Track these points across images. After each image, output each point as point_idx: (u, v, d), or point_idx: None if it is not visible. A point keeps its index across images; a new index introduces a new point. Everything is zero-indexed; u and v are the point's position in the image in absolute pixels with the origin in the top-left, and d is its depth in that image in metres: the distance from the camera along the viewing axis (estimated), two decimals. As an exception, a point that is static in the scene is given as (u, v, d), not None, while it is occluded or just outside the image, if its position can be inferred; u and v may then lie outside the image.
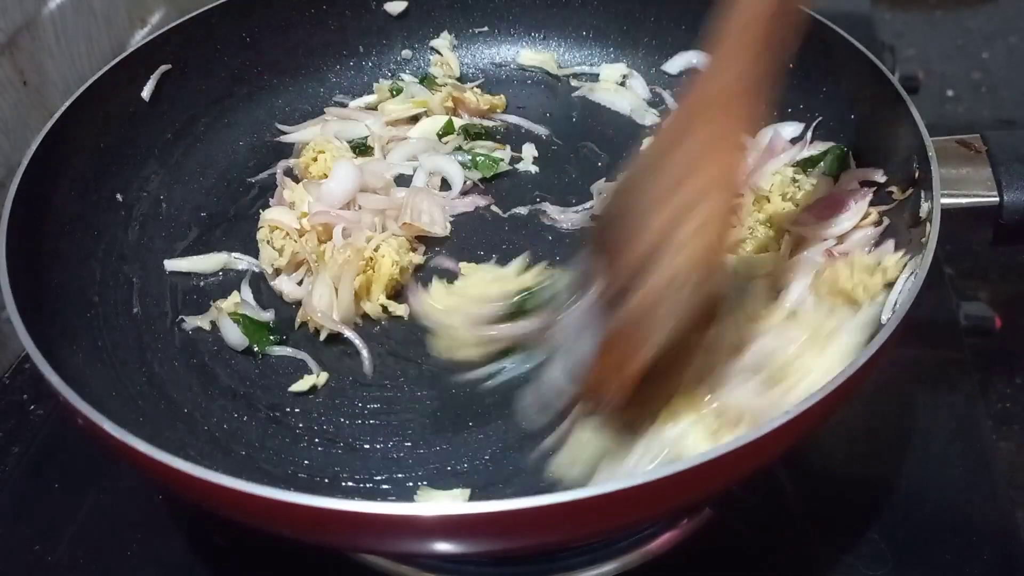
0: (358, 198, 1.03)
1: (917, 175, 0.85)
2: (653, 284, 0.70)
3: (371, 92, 1.22)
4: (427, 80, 1.21)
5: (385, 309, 0.96)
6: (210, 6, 1.13)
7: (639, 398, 0.76)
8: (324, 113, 1.19)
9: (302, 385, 0.90)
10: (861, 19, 1.52)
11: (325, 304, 0.93)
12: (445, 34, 1.25)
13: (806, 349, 0.79)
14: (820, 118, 1.05)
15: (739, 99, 0.72)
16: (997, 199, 0.85)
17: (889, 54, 1.49)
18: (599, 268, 0.76)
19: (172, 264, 1.02)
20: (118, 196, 1.04)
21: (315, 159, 1.10)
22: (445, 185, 1.10)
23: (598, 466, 0.77)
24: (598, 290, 0.76)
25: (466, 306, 0.91)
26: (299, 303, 0.96)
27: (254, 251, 1.03)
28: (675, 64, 1.21)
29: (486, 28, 1.26)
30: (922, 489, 0.91)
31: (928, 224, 0.79)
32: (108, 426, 0.67)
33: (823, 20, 1.03)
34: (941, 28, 1.88)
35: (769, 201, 0.95)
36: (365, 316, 0.96)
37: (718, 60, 0.73)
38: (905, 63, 1.62)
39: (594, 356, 0.76)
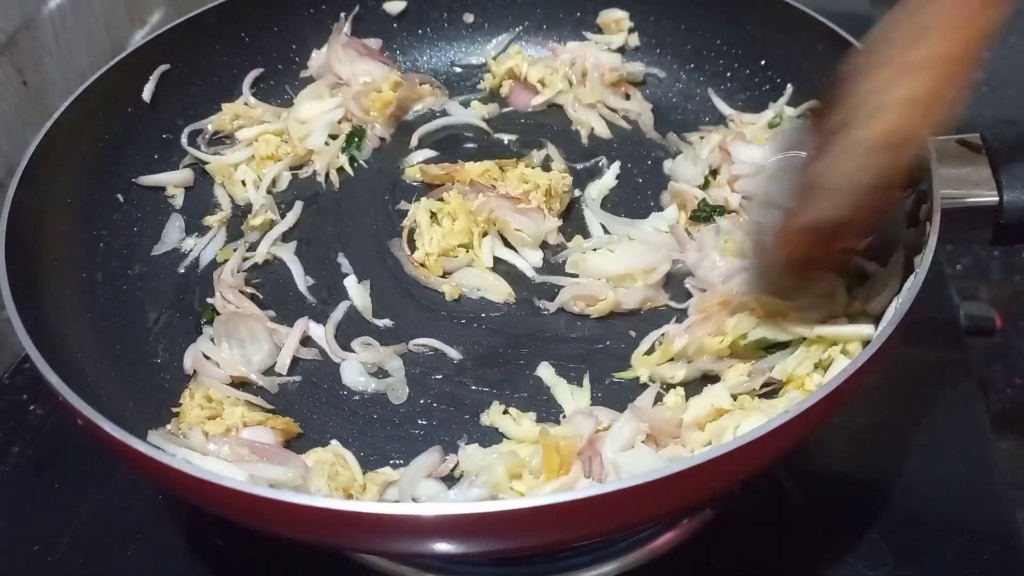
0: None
1: (916, 174, 0.85)
2: (849, 141, 0.67)
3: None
4: None
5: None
6: (209, 6, 1.13)
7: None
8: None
9: None
10: (861, 19, 1.52)
11: None
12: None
13: None
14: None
15: None
16: (997, 198, 0.84)
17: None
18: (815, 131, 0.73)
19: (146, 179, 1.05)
20: (118, 196, 1.04)
21: (232, 122, 1.13)
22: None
23: None
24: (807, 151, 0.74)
25: None
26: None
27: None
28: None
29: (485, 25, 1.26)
30: (922, 489, 0.91)
31: (928, 224, 0.79)
32: (108, 426, 0.67)
33: (823, 20, 1.03)
34: (942, 28, 1.88)
35: None
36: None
37: None
38: (905, 63, 1.62)
39: (782, 213, 0.75)
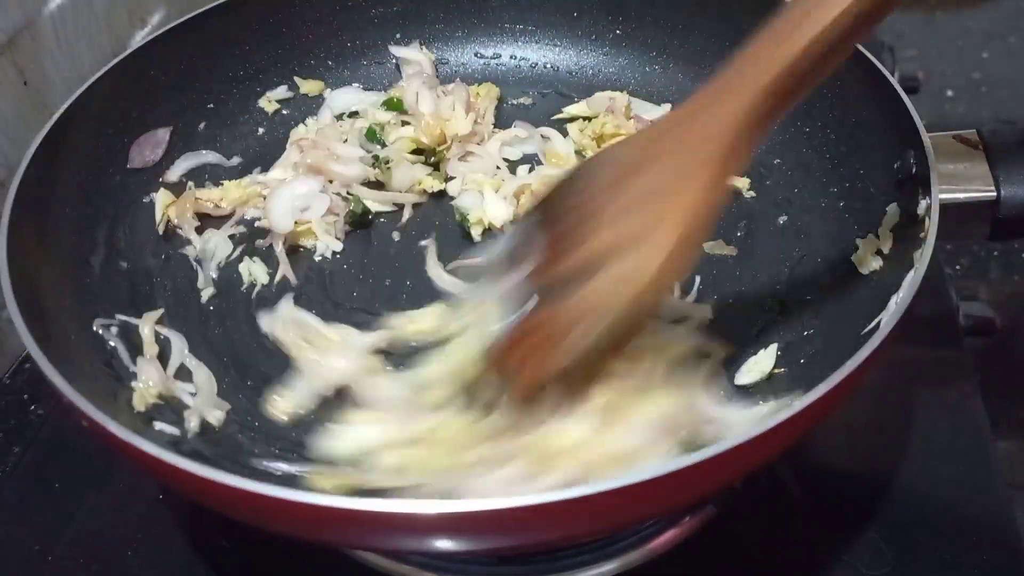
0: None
1: (914, 171, 0.86)
2: (594, 290, 0.68)
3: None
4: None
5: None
6: (208, 6, 1.13)
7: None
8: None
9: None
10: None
11: None
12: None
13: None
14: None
15: (737, 138, 0.66)
16: (994, 194, 0.85)
17: (888, 54, 1.49)
18: (537, 247, 0.74)
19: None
20: (120, 197, 1.04)
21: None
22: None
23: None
24: (532, 267, 0.74)
25: None
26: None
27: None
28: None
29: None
30: (922, 489, 0.91)
31: (927, 220, 0.79)
32: (113, 427, 0.67)
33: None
34: (941, 28, 1.88)
35: None
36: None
37: (728, 84, 0.67)
38: (905, 63, 1.62)
39: (513, 333, 0.74)
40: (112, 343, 0.91)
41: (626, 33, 1.21)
